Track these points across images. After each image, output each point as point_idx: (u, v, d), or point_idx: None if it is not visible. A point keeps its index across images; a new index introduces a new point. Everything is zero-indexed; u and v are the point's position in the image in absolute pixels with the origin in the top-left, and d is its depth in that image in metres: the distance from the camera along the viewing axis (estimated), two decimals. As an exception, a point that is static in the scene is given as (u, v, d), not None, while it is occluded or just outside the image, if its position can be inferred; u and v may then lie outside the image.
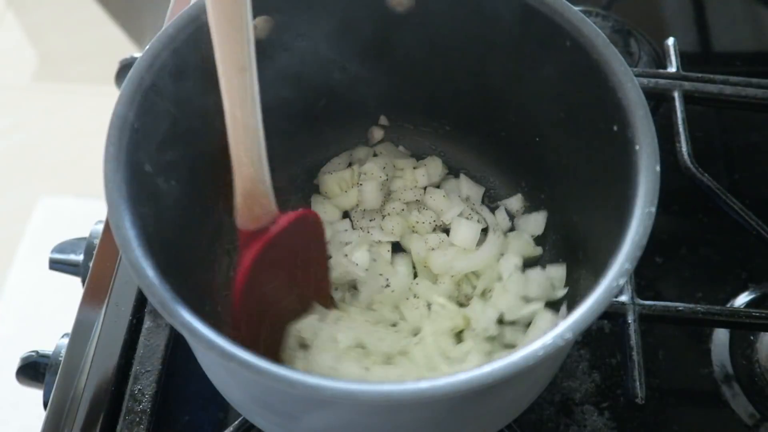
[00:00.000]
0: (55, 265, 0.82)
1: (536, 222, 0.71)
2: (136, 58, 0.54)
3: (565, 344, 0.43)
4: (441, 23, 0.65)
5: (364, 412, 0.50)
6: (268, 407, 0.54)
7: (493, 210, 0.74)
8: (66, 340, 0.69)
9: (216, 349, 0.43)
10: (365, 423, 0.53)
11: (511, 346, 0.65)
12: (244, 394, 0.56)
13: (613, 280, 0.46)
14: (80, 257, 0.79)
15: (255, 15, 0.60)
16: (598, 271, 0.48)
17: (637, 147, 0.50)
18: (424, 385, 0.42)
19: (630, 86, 0.52)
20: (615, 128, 0.53)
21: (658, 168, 0.49)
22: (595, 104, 0.56)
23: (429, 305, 0.67)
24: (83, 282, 0.75)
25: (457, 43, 0.66)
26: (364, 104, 0.75)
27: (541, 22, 0.57)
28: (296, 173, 0.76)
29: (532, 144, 0.70)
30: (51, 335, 0.76)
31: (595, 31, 0.55)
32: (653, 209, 0.48)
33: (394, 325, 0.66)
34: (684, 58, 0.82)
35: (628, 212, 0.49)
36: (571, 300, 0.65)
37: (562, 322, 0.44)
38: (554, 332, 0.44)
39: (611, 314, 0.65)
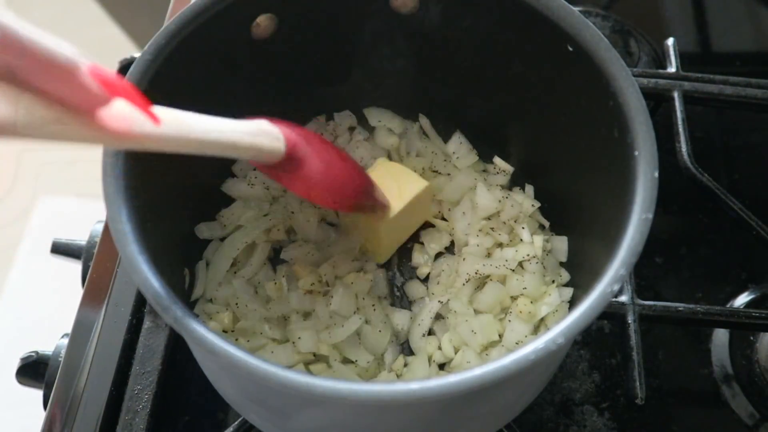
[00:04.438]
0: (58, 247, 0.82)
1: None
2: (136, 58, 0.54)
3: (558, 349, 0.43)
4: (443, 26, 0.65)
5: (355, 412, 0.50)
6: (261, 404, 0.54)
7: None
8: (66, 340, 0.69)
9: (207, 346, 0.43)
10: (357, 422, 0.53)
11: None
12: (237, 391, 0.56)
13: (608, 285, 0.46)
14: (83, 243, 0.80)
15: (258, 12, 0.61)
16: (594, 275, 0.48)
17: (637, 153, 0.50)
18: (414, 386, 0.42)
19: (631, 91, 0.52)
20: (615, 133, 0.53)
21: (656, 174, 0.49)
22: (595, 109, 0.56)
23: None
24: (83, 282, 0.75)
25: (459, 46, 0.66)
26: (358, 104, 0.76)
27: (543, 26, 0.57)
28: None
29: (531, 146, 0.70)
30: (51, 335, 0.76)
31: (597, 36, 0.55)
32: (650, 215, 0.48)
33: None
34: (684, 58, 0.82)
35: (626, 218, 0.48)
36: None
37: (556, 326, 0.44)
38: (547, 336, 0.44)
39: (611, 314, 0.65)
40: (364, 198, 0.62)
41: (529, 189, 0.72)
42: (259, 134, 0.50)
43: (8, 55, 0.34)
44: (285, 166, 0.53)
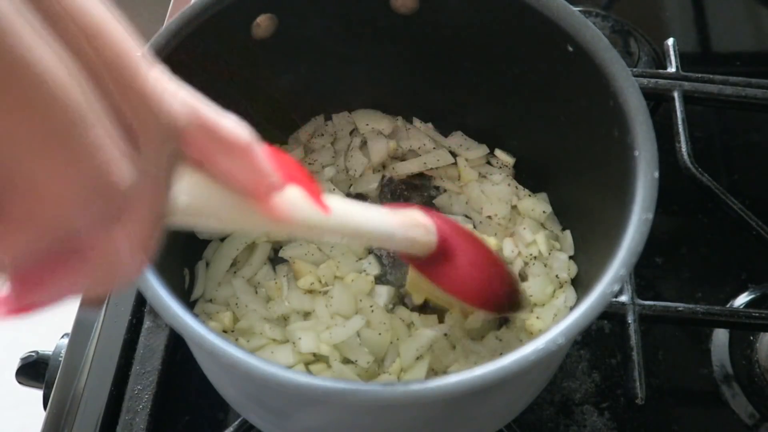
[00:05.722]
0: None
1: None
2: (135, 59, 0.54)
3: (558, 349, 0.43)
4: (443, 26, 0.65)
5: (355, 412, 0.50)
6: (261, 404, 0.54)
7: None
8: (66, 340, 0.69)
9: (207, 346, 0.43)
10: (357, 422, 0.53)
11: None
12: (237, 391, 0.56)
13: (608, 285, 0.46)
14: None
15: (258, 12, 0.61)
16: (594, 275, 0.48)
17: (637, 153, 0.50)
18: (414, 386, 0.42)
19: (631, 91, 0.52)
20: (615, 133, 0.53)
21: (656, 174, 0.49)
22: (595, 108, 0.56)
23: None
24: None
25: (458, 47, 0.66)
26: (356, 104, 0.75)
27: (543, 26, 0.57)
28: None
29: (531, 146, 0.70)
30: (51, 335, 0.76)
31: (597, 36, 0.55)
32: (650, 216, 0.48)
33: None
34: (684, 58, 0.82)
35: (626, 218, 0.48)
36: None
37: (555, 326, 0.44)
38: (546, 337, 0.44)
39: (611, 314, 0.65)
40: (509, 299, 0.60)
41: (542, 196, 0.72)
42: (413, 226, 0.50)
43: (199, 138, 0.32)
44: (434, 258, 0.53)
